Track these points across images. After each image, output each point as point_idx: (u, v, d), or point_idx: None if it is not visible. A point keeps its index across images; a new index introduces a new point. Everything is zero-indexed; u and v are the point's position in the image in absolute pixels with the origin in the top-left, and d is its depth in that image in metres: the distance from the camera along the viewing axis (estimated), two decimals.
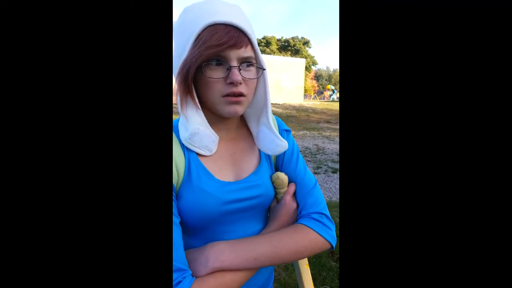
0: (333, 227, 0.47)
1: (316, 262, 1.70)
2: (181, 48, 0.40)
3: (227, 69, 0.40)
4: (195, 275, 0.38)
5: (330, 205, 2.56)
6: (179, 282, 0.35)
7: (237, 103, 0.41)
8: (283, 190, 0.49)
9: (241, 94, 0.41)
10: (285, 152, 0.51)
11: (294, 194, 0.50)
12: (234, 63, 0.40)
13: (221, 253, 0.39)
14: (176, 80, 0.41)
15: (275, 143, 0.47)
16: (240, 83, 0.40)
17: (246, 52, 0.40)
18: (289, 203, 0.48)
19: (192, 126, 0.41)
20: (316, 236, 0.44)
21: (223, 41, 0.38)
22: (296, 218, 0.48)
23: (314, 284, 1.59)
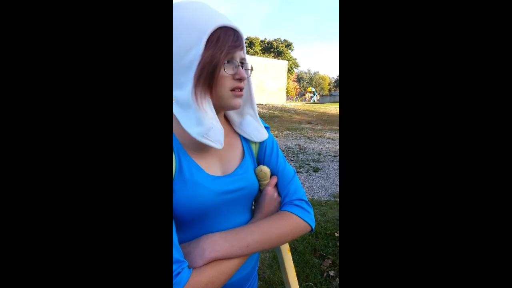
0: (311, 211, 0.52)
1: (299, 259, 1.73)
2: (189, 43, 0.41)
3: (235, 67, 0.45)
4: (192, 267, 0.39)
5: (311, 202, 2.62)
6: (179, 273, 0.36)
7: (240, 97, 0.47)
8: (265, 182, 0.53)
9: (242, 89, 0.47)
10: (266, 147, 0.56)
11: (275, 185, 0.54)
12: (238, 62, 0.46)
13: (216, 244, 0.42)
14: (195, 74, 0.41)
15: (258, 130, 0.53)
16: (245, 79, 0.46)
17: (243, 54, 0.47)
18: (271, 193, 0.52)
19: (208, 121, 0.43)
20: (298, 221, 0.49)
21: (238, 43, 0.44)
22: (278, 206, 0.53)
23: (298, 281, 1.62)
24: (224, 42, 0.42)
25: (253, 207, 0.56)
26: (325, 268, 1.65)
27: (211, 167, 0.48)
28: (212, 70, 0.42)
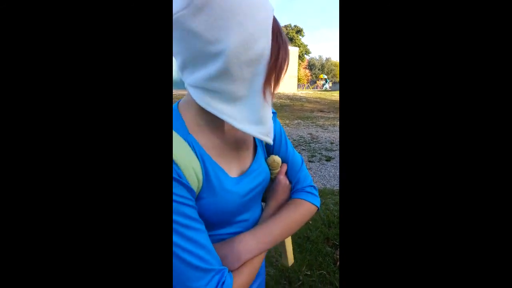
0: (317, 193, 0.56)
1: (312, 248, 1.73)
2: (258, 31, 0.35)
3: None
4: (230, 270, 0.41)
5: (324, 192, 2.59)
6: (224, 282, 0.37)
7: None
8: (276, 171, 0.54)
9: None
10: (275, 136, 0.55)
11: (285, 173, 0.55)
12: None
13: (248, 246, 0.44)
14: (269, 69, 0.37)
15: None
16: None
17: None
18: (283, 181, 0.53)
19: (270, 119, 0.41)
20: (310, 206, 0.52)
21: None
22: (289, 192, 0.54)
23: (311, 270, 1.63)
24: (283, 32, 0.39)
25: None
26: (338, 257, 1.64)
27: (231, 167, 0.46)
28: (284, 65, 0.39)
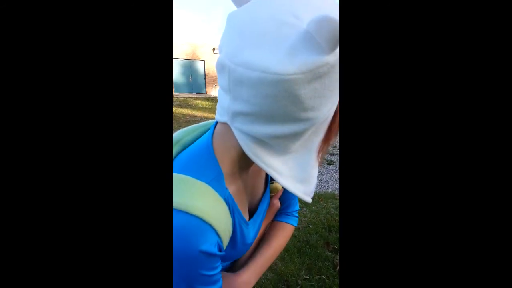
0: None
1: (311, 252, 1.71)
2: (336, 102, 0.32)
3: None
4: None
5: (325, 196, 2.57)
6: None
7: None
8: (273, 194, 0.56)
9: None
10: None
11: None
12: None
13: (249, 281, 0.47)
14: (328, 129, 0.34)
15: None
16: None
17: None
18: (277, 205, 0.55)
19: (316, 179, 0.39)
20: (293, 228, 0.58)
21: None
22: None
23: (310, 274, 1.61)
24: None
25: None
26: (337, 261, 1.62)
27: (246, 209, 0.45)
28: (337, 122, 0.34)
